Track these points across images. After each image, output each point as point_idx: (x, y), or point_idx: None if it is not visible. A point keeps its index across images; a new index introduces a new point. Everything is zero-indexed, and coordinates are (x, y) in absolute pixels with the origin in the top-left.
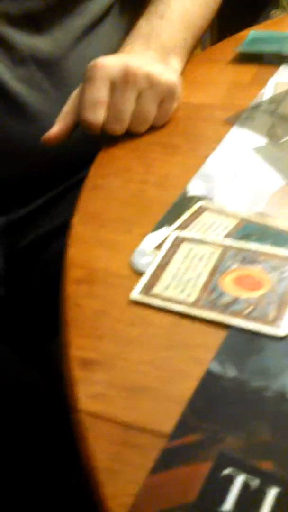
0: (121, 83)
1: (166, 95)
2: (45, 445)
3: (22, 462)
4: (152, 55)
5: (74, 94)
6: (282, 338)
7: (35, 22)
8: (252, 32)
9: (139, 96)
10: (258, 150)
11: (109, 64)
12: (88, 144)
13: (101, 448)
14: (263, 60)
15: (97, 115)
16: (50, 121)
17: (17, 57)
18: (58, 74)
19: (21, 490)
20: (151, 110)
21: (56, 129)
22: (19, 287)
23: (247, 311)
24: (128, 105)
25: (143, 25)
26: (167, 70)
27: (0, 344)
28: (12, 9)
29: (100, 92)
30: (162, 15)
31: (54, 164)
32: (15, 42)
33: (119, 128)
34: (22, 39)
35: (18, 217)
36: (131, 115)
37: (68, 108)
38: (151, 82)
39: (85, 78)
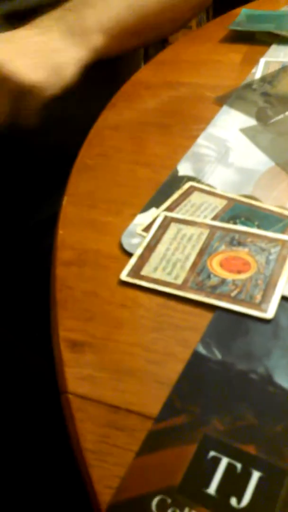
0: None
1: (22, 95)
2: (47, 426)
3: (24, 447)
4: (51, 36)
5: None
6: (268, 321)
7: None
8: (243, 11)
9: None
10: (246, 131)
11: None
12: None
13: (89, 430)
14: (254, 38)
15: None
16: None
17: None
18: None
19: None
20: None
21: None
22: (20, 270)
23: (233, 293)
24: None
25: None
26: (37, 68)
27: (1, 328)
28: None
29: None
30: None
31: (53, 151)
32: None
33: None
34: None
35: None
36: None
37: None
38: (7, 81)
39: None
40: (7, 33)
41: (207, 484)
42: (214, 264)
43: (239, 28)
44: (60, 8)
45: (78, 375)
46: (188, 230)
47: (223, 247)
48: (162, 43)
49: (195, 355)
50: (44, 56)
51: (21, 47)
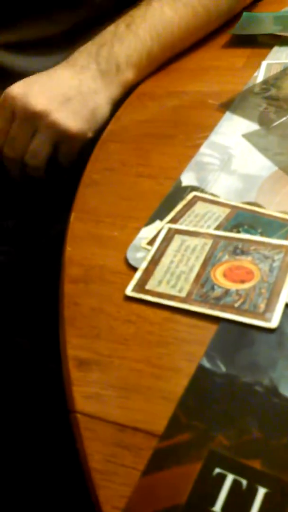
0: (19, 119)
1: (62, 139)
2: (58, 441)
3: (29, 457)
4: (87, 76)
5: None
6: (272, 330)
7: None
8: (244, 14)
9: (35, 131)
10: (249, 136)
11: (17, 95)
12: None
13: (96, 449)
14: (257, 42)
15: None
16: None
17: None
18: None
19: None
20: (42, 149)
21: None
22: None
23: (237, 303)
24: (20, 137)
25: (107, 30)
26: (71, 113)
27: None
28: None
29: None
30: (130, 23)
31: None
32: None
33: (12, 155)
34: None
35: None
36: (24, 146)
37: None
38: (47, 125)
39: None
40: (46, 72)
41: (213, 502)
42: (218, 275)
43: (241, 32)
44: (93, 42)
45: (86, 393)
46: (192, 241)
47: (226, 256)
48: None
49: (200, 369)
50: (83, 101)
51: (62, 91)
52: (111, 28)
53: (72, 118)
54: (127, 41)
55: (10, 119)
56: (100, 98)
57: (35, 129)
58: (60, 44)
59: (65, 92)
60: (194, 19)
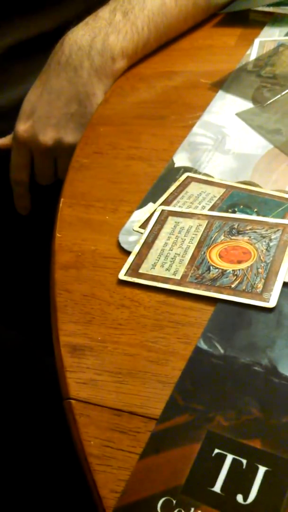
0: (39, 154)
1: (61, 155)
2: (54, 430)
3: (28, 450)
4: (83, 78)
5: None
6: (271, 310)
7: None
8: None
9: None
10: (243, 115)
11: (26, 137)
12: None
13: (92, 435)
14: (249, 20)
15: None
16: None
17: None
18: None
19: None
20: (47, 169)
21: None
22: (28, 273)
23: (234, 284)
24: (20, 163)
25: (101, 17)
26: (68, 129)
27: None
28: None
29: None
30: (127, 11)
31: None
32: None
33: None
34: None
35: None
36: (26, 169)
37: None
38: (43, 149)
39: None
40: (43, 84)
41: (213, 482)
42: (214, 256)
43: (231, 9)
44: (84, 29)
45: (80, 379)
46: (186, 222)
47: (222, 237)
48: None
49: (197, 351)
50: (83, 111)
51: (64, 110)
52: (105, 15)
53: (78, 134)
54: (123, 31)
55: (28, 154)
56: (97, 98)
57: (55, 157)
58: (55, 39)
59: (67, 109)
60: (193, 10)
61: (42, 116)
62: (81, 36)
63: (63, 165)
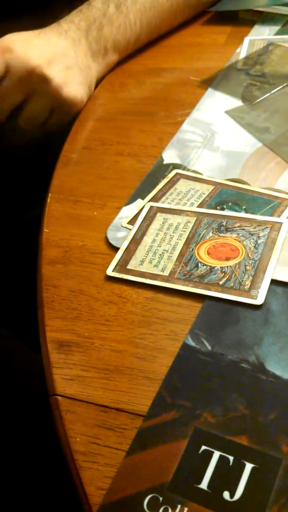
0: (15, 76)
1: (61, 106)
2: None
3: (14, 449)
4: (81, 50)
5: None
6: (258, 307)
7: None
8: None
9: (32, 94)
10: (232, 112)
11: (14, 50)
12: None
13: (78, 431)
14: (238, 18)
15: None
16: None
17: None
18: None
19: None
20: (40, 114)
21: None
22: (15, 270)
23: (222, 281)
24: (12, 97)
25: (94, 6)
26: (74, 81)
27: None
28: None
29: None
30: (120, 4)
31: (36, 149)
32: None
33: None
34: None
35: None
36: (12, 106)
37: None
38: (49, 90)
39: None
40: (39, 35)
41: (199, 479)
42: (202, 253)
43: (221, 8)
44: (80, 16)
45: (66, 376)
46: (174, 219)
47: (210, 234)
48: None
49: (184, 347)
50: (81, 72)
51: (62, 59)
52: (98, 5)
53: (74, 88)
54: (116, 24)
55: (25, 92)
56: (92, 75)
57: (31, 91)
58: None
59: (64, 59)
60: (184, 6)
61: (38, 48)
62: (77, 21)
63: (55, 119)
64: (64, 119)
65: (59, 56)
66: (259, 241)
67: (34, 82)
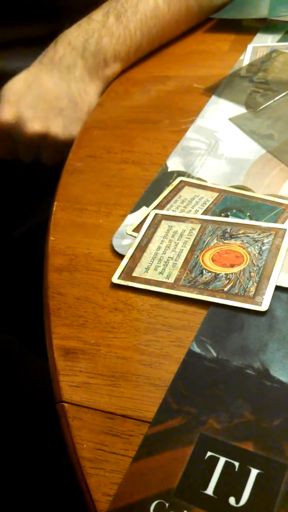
0: (22, 144)
1: (64, 147)
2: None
3: (21, 454)
4: (75, 76)
5: None
6: (263, 313)
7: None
8: None
9: (37, 147)
10: (236, 120)
11: (11, 124)
12: None
13: (85, 438)
14: (242, 26)
15: None
16: None
17: None
18: None
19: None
20: (53, 157)
21: None
22: (21, 277)
23: (227, 287)
24: (25, 155)
25: (94, 20)
26: (68, 124)
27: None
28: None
29: None
30: (120, 15)
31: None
32: None
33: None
34: None
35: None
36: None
37: None
38: (49, 143)
39: None
40: (32, 78)
41: (205, 485)
42: (206, 260)
43: (225, 16)
44: (78, 31)
45: (73, 383)
46: (179, 226)
47: (215, 241)
48: None
49: (190, 354)
50: (75, 107)
51: (53, 104)
52: (98, 17)
53: (68, 129)
54: (116, 35)
55: (10, 143)
56: (91, 96)
57: (36, 148)
58: (45, 43)
59: (56, 103)
60: (186, 14)
61: (29, 107)
62: (75, 38)
63: (48, 158)
64: (60, 152)
65: (51, 100)
66: (263, 248)
67: (36, 142)
